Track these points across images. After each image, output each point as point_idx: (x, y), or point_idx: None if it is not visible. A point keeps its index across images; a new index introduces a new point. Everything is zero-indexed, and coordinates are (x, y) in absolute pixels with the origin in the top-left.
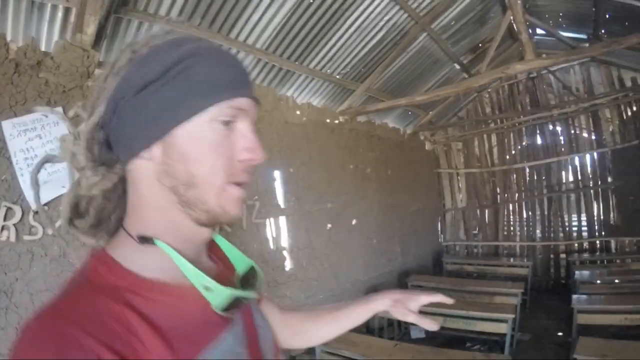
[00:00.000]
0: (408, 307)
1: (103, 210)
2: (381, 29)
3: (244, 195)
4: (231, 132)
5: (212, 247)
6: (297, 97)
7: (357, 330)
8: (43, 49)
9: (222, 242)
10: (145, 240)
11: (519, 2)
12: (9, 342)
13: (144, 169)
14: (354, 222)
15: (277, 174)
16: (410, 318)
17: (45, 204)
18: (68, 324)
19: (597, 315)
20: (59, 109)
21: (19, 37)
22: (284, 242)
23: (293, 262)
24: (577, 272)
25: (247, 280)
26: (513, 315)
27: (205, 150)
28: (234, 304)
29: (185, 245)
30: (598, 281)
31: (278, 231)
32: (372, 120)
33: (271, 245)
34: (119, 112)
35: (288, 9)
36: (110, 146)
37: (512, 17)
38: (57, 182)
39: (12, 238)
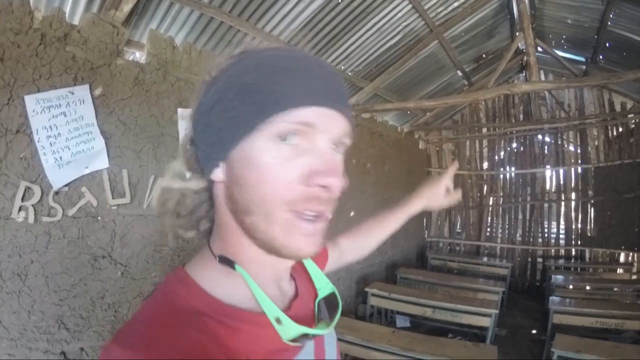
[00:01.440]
0: (439, 195)
1: (192, 213)
2: (398, 33)
3: (318, 230)
4: (302, 153)
5: (298, 267)
6: None
7: (349, 316)
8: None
9: (308, 263)
10: (225, 261)
11: (531, 25)
12: (20, 326)
13: (218, 189)
14: (352, 214)
15: None
16: (450, 199)
17: (67, 185)
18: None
19: (571, 317)
20: (86, 87)
21: (42, 5)
22: None
23: None
24: (553, 277)
25: (325, 304)
26: (496, 311)
27: (258, 173)
28: (305, 336)
29: (264, 269)
30: (571, 286)
31: None
32: (374, 118)
33: None
34: (196, 133)
35: (318, 5)
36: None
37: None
38: (80, 163)
39: (30, 219)
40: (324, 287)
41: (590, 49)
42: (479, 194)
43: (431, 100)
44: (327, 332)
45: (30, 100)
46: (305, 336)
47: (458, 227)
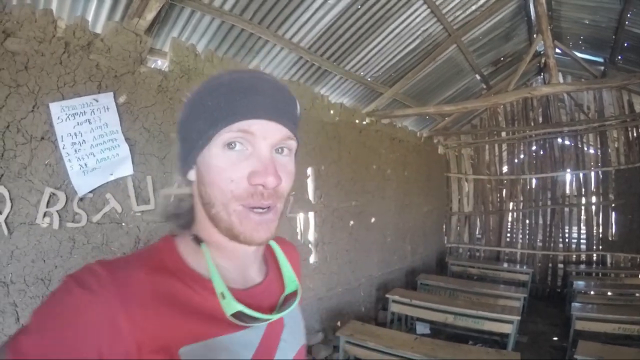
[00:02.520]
0: None
1: (189, 213)
2: (417, 38)
3: (267, 220)
4: (246, 157)
5: (273, 263)
6: (330, 96)
7: (370, 323)
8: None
9: (281, 259)
10: (195, 240)
11: (549, 27)
12: None
13: (194, 188)
14: (373, 220)
15: (310, 170)
16: None
17: (92, 191)
18: (114, 280)
19: (593, 323)
20: (110, 94)
21: (65, 15)
22: (311, 236)
23: (318, 255)
24: (574, 282)
25: (288, 299)
26: (518, 317)
27: (213, 174)
28: (249, 317)
29: (227, 254)
30: (592, 292)
31: (307, 226)
32: (393, 123)
33: (300, 239)
34: (178, 143)
35: (337, 12)
36: None
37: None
38: (105, 170)
39: (55, 225)
40: (291, 284)
41: (608, 49)
42: (498, 199)
43: (451, 104)
44: (269, 320)
45: (55, 108)
46: (249, 318)
47: (478, 232)
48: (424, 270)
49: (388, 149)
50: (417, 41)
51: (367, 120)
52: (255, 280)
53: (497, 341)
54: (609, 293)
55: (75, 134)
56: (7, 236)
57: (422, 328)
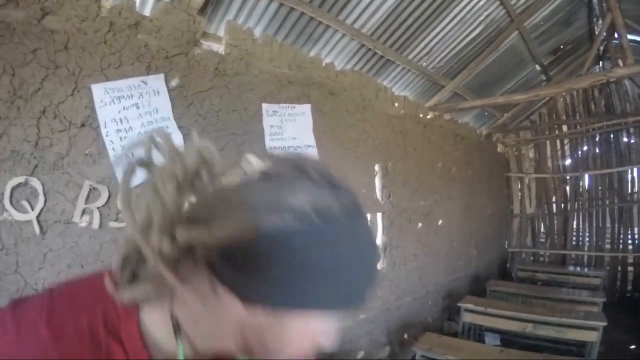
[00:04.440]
0: None
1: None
2: (479, 24)
3: None
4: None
5: None
6: (392, 88)
7: (447, 334)
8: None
9: None
10: (176, 329)
11: (617, 5)
12: None
13: (238, 310)
14: (440, 222)
15: (377, 167)
16: None
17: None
18: None
19: None
20: (161, 76)
21: None
22: (380, 239)
23: (386, 260)
24: None
25: None
26: (605, 323)
27: (292, 341)
28: None
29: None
30: None
31: (374, 228)
32: (455, 119)
33: None
34: (255, 247)
35: None
36: None
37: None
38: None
39: (95, 224)
40: None
41: None
42: (562, 199)
43: (521, 93)
44: None
45: (97, 90)
46: None
47: (541, 235)
48: (487, 276)
49: (452, 145)
50: (480, 28)
51: (431, 114)
52: None
53: (572, 351)
54: None
55: (121, 120)
56: (39, 236)
57: (492, 339)
